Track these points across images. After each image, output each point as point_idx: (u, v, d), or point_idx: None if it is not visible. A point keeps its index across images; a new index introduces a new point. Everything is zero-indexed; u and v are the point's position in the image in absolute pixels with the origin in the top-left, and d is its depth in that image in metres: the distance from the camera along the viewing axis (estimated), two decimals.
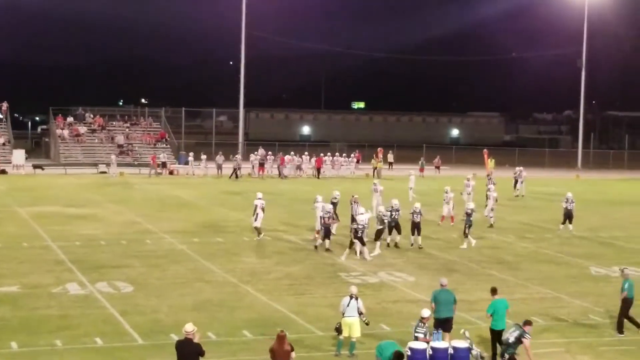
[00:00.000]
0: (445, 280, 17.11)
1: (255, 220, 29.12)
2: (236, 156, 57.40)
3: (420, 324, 15.12)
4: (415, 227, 28.38)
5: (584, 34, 79.36)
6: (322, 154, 61.06)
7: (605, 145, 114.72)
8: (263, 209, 29.15)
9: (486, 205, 35.54)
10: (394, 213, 27.97)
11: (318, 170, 57.88)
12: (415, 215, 28.36)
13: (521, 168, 49.86)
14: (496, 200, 35.91)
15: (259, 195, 29.95)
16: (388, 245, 28.06)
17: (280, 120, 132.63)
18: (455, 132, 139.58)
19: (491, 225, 34.00)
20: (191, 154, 59.13)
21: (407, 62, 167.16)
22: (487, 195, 36.04)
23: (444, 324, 16.06)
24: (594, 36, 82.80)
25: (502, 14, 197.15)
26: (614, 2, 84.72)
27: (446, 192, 34.32)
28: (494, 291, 16.64)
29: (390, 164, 65.11)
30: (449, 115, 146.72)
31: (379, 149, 64.02)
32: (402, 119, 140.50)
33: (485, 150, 66.76)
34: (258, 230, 29.24)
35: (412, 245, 28.43)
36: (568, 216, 32.40)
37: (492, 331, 16.14)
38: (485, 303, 16.79)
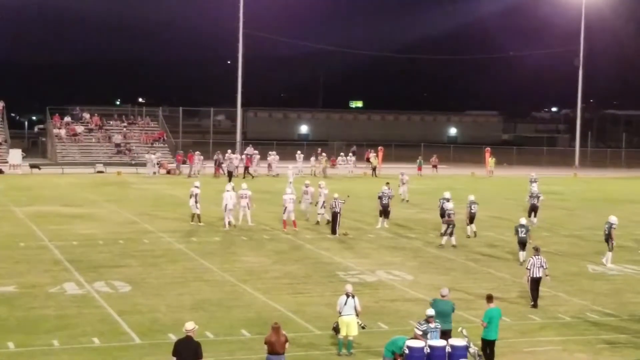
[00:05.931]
0: (446, 291, 16.39)
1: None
2: (230, 155, 56.14)
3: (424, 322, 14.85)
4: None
5: (581, 32, 79.38)
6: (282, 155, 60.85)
7: (602, 143, 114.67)
8: (196, 196, 31.98)
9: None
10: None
11: (246, 168, 56.70)
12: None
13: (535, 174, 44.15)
14: None
15: (196, 183, 33.06)
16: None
17: (279, 119, 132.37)
18: (453, 131, 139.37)
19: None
20: (197, 152, 58.87)
21: (405, 61, 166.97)
22: None
23: (442, 337, 15.02)
24: (591, 34, 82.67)
25: (499, 12, 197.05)
26: (611, 0, 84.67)
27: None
28: (489, 299, 16.14)
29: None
30: (447, 114, 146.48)
31: (379, 148, 63.84)
32: (400, 117, 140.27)
33: (487, 148, 66.87)
34: (192, 217, 32.48)
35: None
36: (534, 209, 34.86)
37: (484, 341, 15.71)
38: (483, 301, 16.75)
